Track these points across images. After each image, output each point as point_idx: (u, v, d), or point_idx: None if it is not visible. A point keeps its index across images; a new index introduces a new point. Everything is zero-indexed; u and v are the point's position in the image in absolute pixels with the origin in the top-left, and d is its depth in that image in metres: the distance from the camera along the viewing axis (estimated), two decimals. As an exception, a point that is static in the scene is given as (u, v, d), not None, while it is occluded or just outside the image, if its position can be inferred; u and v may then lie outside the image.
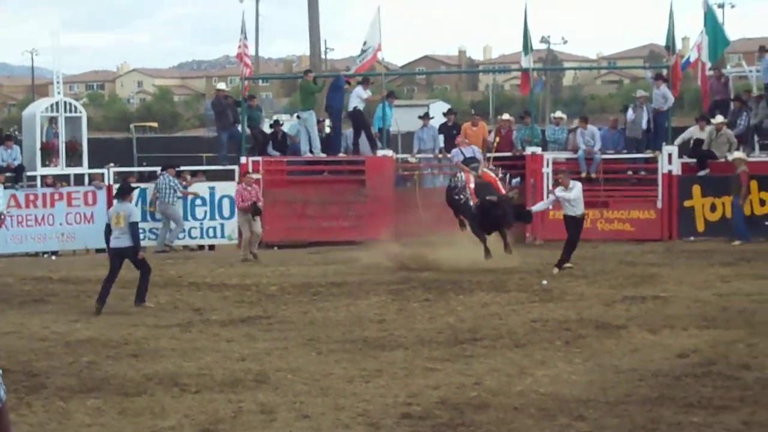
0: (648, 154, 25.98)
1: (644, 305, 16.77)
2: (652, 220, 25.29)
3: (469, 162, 22.36)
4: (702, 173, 25.43)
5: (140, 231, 18.66)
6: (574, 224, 20.26)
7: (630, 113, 26.48)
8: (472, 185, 21.51)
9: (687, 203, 25.15)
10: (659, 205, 25.30)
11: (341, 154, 27.49)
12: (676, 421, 10.49)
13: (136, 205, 21.25)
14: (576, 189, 20.16)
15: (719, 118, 25.71)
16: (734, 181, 24.23)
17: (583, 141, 26.22)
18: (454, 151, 23.34)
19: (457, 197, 21.82)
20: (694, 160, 25.65)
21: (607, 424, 10.45)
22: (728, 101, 27.55)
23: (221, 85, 30.10)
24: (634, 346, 13.92)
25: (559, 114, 28.82)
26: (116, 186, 21.81)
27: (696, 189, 25.12)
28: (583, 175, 25.83)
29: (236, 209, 24.60)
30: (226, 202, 26.12)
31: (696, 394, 11.51)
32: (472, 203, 21.27)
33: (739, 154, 24.64)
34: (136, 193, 19.56)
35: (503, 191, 21.35)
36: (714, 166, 25.38)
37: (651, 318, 15.68)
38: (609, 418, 10.67)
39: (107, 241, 17.83)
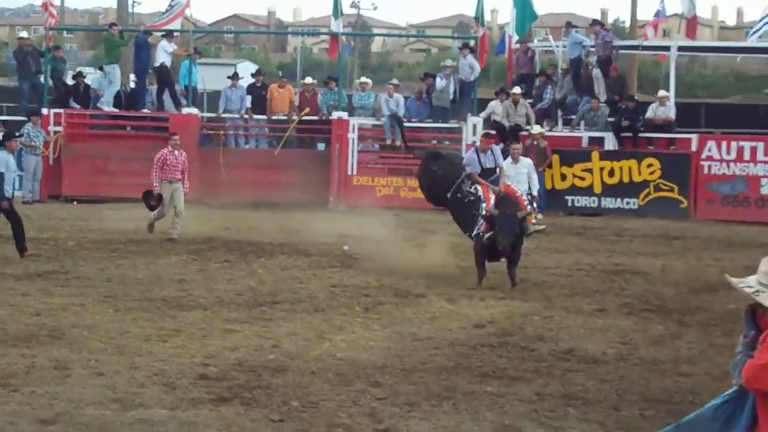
0: (453, 124, 26.20)
1: (445, 275, 16.89)
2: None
3: (488, 174, 17.15)
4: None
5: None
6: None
7: (439, 81, 26.65)
8: (491, 204, 16.54)
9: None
10: (464, 174, 25.53)
11: (145, 110, 26.97)
12: (470, 390, 10.57)
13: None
14: (524, 164, 19.49)
15: (517, 90, 26.07)
16: (540, 154, 24.59)
17: (388, 108, 26.28)
18: (469, 156, 17.70)
19: (465, 200, 17.01)
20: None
21: (403, 390, 10.47)
22: (534, 75, 28.02)
23: (24, 34, 29.19)
24: (432, 315, 14.01)
25: (364, 79, 28.81)
26: None
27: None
28: (388, 142, 25.94)
29: (155, 175, 19.93)
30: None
31: (491, 364, 11.64)
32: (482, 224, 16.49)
33: (539, 128, 25.07)
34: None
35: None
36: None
37: (450, 287, 15.79)
38: (405, 384, 10.69)
39: None
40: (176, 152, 19.96)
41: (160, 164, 19.79)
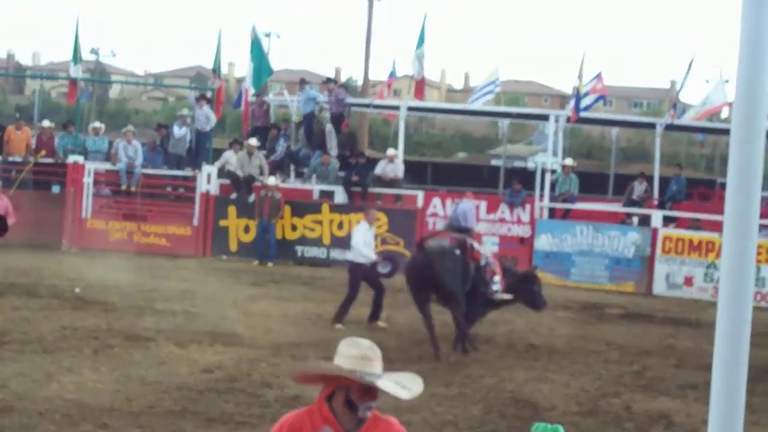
0: (188, 173, 26.32)
1: (174, 319, 17.00)
2: (188, 236, 25.63)
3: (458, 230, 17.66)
4: (234, 195, 25.93)
5: None
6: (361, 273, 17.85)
7: (177, 129, 26.73)
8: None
9: (222, 223, 25.69)
10: (195, 222, 25.68)
11: None
12: (196, 434, 10.74)
13: None
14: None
15: (252, 141, 26.41)
16: (274, 205, 24.91)
17: (126, 154, 26.17)
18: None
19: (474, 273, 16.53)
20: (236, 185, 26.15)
21: (128, 433, 10.56)
22: (268, 128, 28.44)
23: None
24: (161, 359, 14.11)
25: (97, 124, 28.35)
26: None
27: (232, 210, 25.71)
28: (123, 188, 25.83)
29: None
30: None
31: (218, 408, 11.81)
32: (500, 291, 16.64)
33: (273, 180, 25.44)
34: None
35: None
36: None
37: (180, 332, 15.92)
38: (132, 427, 10.77)
39: None
40: None
41: None
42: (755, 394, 12.85)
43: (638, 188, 26.97)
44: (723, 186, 29.57)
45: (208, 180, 25.80)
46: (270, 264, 24.73)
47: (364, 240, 17.75)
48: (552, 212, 25.61)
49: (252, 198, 25.58)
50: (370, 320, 17.95)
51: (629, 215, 25.89)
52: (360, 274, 17.78)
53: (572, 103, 26.86)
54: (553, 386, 14.09)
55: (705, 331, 18.33)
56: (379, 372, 5.09)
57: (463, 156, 60.90)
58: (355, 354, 5.14)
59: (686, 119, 28.04)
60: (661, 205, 26.42)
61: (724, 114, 36.53)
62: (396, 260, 18.81)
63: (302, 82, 29.21)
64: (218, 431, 10.95)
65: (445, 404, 12.92)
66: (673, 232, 24.20)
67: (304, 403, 12.54)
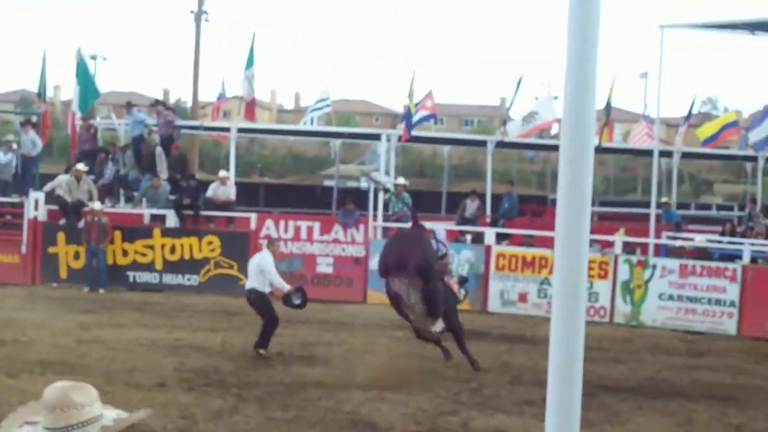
0: (15, 199, 25.69)
1: (4, 349, 16.59)
2: (16, 264, 25.00)
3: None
4: (63, 221, 25.41)
5: None
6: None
7: (1, 156, 26.10)
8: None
9: (51, 249, 25.14)
10: (24, 250, 25.07)
11: None
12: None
13: None
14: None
15: (80, 166, 25.92)
16: (101, 230, 24.49)
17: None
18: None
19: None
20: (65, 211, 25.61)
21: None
22: (96, 151, 27.97)
23: None
24: (-9, 390, 13.75)
25: None
26: None
27: (61, 236, 25.19)
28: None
29: None
30: None
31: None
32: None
33: (99, 205, 24.98)
34: None
35: None
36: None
37: (10, 362, 15.54)
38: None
39: None
40: None
41: None
42: (590, 408, 13.10)
43: (471, 206, 27.32)
44: (554, 202, 30.16)
45: (35, 206, 25.23)
46: (101, 290, 24.29)
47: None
48: (386, 232, 25.74)
49: (81, 224, 25.10)
50: (257, 347, 17.69)
51: (462, 233, 26.19)
52: (268, 300, 17.67)
53: (403, 121, 27.08)
54: (391, 406, 14.12)
55: (540, 347, 18.62)
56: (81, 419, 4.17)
57: (296, 178, 60.86)
58: (46, 407, 4.22)
59: (515, 133, 28.49)
60: (494, 223, 26.81)
61: (554, 130, 37.37)
62: (305, 292, 18.70)
63: (129, 105, 28.78)
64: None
65: (283, 428, 12.87)
66: (507, 249, 24.55)
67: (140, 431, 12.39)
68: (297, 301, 18.25)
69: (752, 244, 23.87)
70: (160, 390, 14.46)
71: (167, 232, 25.37)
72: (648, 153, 29.02)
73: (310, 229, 25.30)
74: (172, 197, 26.15)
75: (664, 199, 26.99)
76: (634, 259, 23.34)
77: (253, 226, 25.45)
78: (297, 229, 25.24)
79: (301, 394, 14.67)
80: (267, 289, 17.82)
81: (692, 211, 32.18)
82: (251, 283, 17.88)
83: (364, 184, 36.69)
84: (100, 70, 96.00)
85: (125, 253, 25.12)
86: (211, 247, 25.10)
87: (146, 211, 26.07)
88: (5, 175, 26.04)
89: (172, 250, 25.21)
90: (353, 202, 26.00)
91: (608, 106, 27.60)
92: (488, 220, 27.40)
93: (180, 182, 26.50)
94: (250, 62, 27.22)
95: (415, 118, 26.94)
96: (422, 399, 14.63)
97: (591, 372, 13.95)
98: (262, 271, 17.80)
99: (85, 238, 24.68)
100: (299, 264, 24.47)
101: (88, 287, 24.41)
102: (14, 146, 26.40)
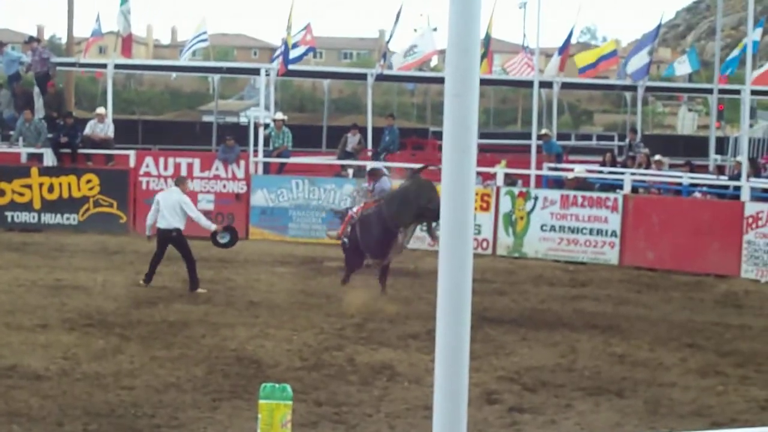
0: None
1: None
2: None
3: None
4: None
5: None
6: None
7: None
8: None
9: None
10: None
11: None
12: None
13: None
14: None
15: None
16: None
17: None
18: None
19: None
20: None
21: None
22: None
23: None
24: None
25: None
26: None
27: None
28: None
29: None
30: None
31: None
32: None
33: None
34: None
35: None
36: None
37: None
38: None
39: None
40: None
41: None
42: (476, 340, 13.10)
43: (352, 140, 27.24)
44: (436, 135, 30.29)
45: None
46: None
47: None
48: (267, 167, 25.57)
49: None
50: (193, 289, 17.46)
51: (344, 167, 26.12)
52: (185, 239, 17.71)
53: (281, 56, 26.81)
54: (275, 342, 14.09)
55: (423, 281, 18.71)
56: None
57: (174, 114, 60.12)
58: None
59: (395, 66, 28.41)
60: (376, 156, 26.77)
61: (434, 62, 37.35)
62: (236, 230, 18.56)
63: (1, 44, 28.01)
64: None
65: (167, 366, 12.76)
66: (388, 182, 24.53)
67: (20, 372, 12.18)
68: (223, 240, 18.15)
69: (633, 174, 24.21)
70: (42, 331, 14.23)
71: (45, 171, 24.88)
72: (528, 84, 29.19)
73: (190, 166, 25.02)
74: (49, 136, 25.61)
75: (544, 131, 27.18)
76: (516, 190, 23.52)
77: (132, 163, 25.08)
78: (177, 166, 24.92)
79: (185, 332, 14.55)
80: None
81: (573, 142, 32.48)
82: (172, 222, 17.65)
83: (243, 119, 36.44)
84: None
85: (2, 192, 24.59)
86: (90, 186, 24.68)
87: (23, 150, 25.51)
88: None
89: (50, 189, 24.75)
90: (233, 138, 25.72)
91: (487, 37, 27.64)
92: (370, 154, 27.34)
93: (57, 120, 25.96)
94: (125, -4, 26.69)
95: (294, 54, 26.69)
96: (306, 335, 14.62)
97: (475, 304, 13.92)
98: (184, 211, 17.58)
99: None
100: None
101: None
102: None
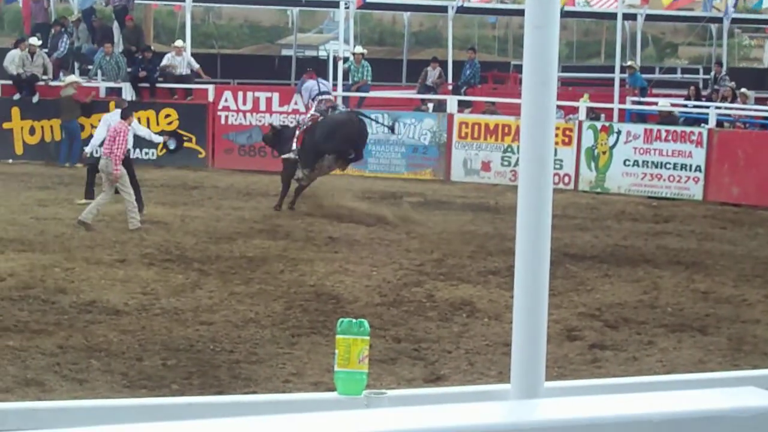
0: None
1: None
2: (-31, 142, 24.55)
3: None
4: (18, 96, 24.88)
5: None
6: None
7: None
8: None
9: (6, 125, 24.66)
10: (-24, 127, 24.59)
11: None
12: (-9, 346, 10.36)
13: None
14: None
15: (32, 40, 25.33)
16: (65, 104, 24.07)
17: None
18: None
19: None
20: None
21: None
22: (49, 24, 27.36)
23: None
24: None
25: None
26: None
27: (15, 111, 24.69)
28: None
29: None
30: None
31: (12, 318, 11.45)
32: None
33: (74, 78, 24.57)
34: None
35: None
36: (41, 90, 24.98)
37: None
38: None
39: None
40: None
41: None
42: (556, 277, 13.02)
43: (432, 74, 26.95)
44: (517, 68, 29.90)
45: (-11, 82, 24.68)
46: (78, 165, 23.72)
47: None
48: (346, 101, 25.41)
49: (36, 98, 24.63)
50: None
51: (424, 101, 25.88)
52: None
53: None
54: (354, 278, 14.02)
55: (504, 216, 18.53)
56: None
57: (253, 48, 60.09)
58: None
59: None
60: (456, 90, 26.49)
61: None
62: (180, 135, 18.97)
63: (76, -22, 28.07)
64: (14, 341, 10.60)
65: (246, 302, 12.77)
66: (469, 117, 24.29)
67: (100, 307, 12.24)
68: (172, 147, 18.85)
69: (718, 108, 23.71)
70: (121, 266, 14.29)
71: (124, 105, 24.91)
72: (611, 16, 28.66)
73: (269, 100, 24.93)
74: (128, 70, 25.64)
75: (628, 63, 26.71)
76: (599, 125, 23.16)
77: (210, 98, 25.05)
78: (255, 101, 24.84)
79: (264, 267, 14.53)
80: None
81: (657, 75, 31.92)
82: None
83: (322, 53, 36.27)
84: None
85: (82, 127, 24.67)
86: (169, 120, 24.68)
87: (102, 85, 25.57)
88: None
89: (129, 123, 24.78)
90: (314, 71, 25.55)
91: (570, -32, 27.12)
92: (450, 88, 27.06)
93: (135, 54, 25.97)
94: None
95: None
96: (386, 271, 14.52)
97: (556, 240, 13.75)
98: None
99: (65, 114, 24.18)
100: (258, 136, 24.05)
101: (69, 164, 23.87)
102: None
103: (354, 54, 26.06)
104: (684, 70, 35.03)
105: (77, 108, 24.18)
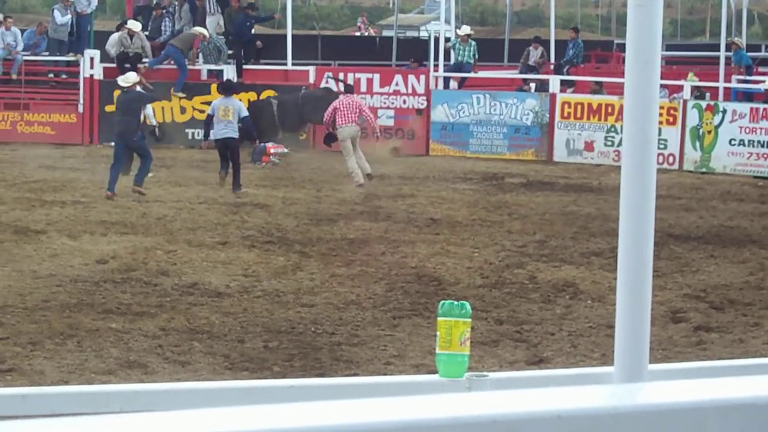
0: (70, 57, 25.46)
1: (64, 210, 16.54)
2: (74, 124, 24.86)
3: None
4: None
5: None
6: None
7: (58, 15, 25.73)
8: None
9: (108, 108, 24.87)
10: (80, 109, 24.89)
11: None
12: (94, 327, 10.49)
13: None
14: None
15: (131, 24, 25.44)
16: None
17: (3, 42, 25.24)
18: None
19: None
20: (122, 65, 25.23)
21: (25, 329, 10.29)
22: (151, 7, 27.55)
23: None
24: (54, 252, 13.77)
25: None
26: None
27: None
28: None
29: None
30: None
31: (114, 300, 11.58)
32: None
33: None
34: None
35: None
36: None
37: (71, 223, 15.53)
38: (27, 323, 10.52)
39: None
40: None
41: None
42: (660, 258, 12.84)
43: (534, 53, 26.72)
44: (620, 47, 29.55)
45: (91, 64, 24.97)
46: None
47: None
48: (447, 82, 25.31)
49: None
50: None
51: (526, 81, 25.68)
52: None
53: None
54: (456, 260, 13.95)
55: (607, 197, 18.31)
56: None
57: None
58: None
59: None
60: (558, 70, 26.24)
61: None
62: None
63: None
64: (116, 323, 10.71)
65: (347, 283, 12.77)
66: (572, 96, 24.05)
67: (202, 290, 12.35)
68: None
69: (825, 86, 23.17)
70: (223, 248, 14.38)
71: (225, 88, 25.02)
72: (717, -7, 28.19)
73: (369, 81, 24.91)
74: (230, 52, 25.77)
75: (736, 39, 26.22)
76: (704, 104, 22.78)
77: (311, 79, 25.10)
78: (356, 81, 24.81)
79: (365, 249, 14.53)
80: None
81: (763, 53, 31.31)
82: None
83: (423, 33, 36.17)
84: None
85: (183, 110, 24.88)
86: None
87: (203, 67, 25.74)
88: (61, 35, 25.68)
89: (231, 105, 24.93)
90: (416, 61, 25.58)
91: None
92: (552, 67, 26.81)
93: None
94: None
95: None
96: (487, 252, 14.43)
97: (661, 221, 13.67)
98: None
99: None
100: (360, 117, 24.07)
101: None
102: (70, 5, 26.01)
103: (459, 35, 25.90)
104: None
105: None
